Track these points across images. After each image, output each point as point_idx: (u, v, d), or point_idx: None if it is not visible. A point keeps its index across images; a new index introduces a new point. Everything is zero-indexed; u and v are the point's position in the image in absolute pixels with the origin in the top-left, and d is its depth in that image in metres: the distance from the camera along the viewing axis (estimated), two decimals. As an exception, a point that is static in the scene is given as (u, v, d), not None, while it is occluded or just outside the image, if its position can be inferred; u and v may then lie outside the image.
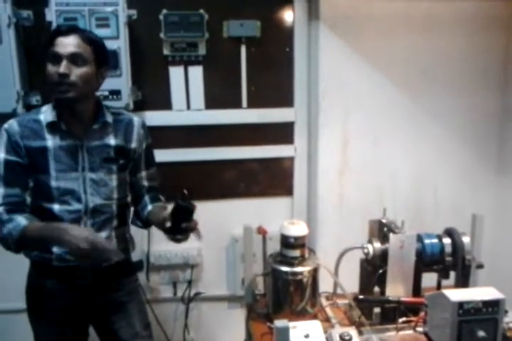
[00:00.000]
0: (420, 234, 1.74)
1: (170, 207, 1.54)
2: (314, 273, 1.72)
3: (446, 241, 1.72)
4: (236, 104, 2.48)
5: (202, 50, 2.38)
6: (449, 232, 1.75)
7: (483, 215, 1.87)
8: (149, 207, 1.86)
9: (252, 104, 2.49)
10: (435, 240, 1.73)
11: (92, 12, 2.13)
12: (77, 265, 1.72)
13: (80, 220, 1.71)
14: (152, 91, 2.42)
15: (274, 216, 2.53)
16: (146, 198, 1.90)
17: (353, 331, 1.44)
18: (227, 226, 2.59)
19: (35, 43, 2.24)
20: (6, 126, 1.68)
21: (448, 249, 1.71)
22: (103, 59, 1.69)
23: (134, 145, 1.81)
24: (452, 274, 1.75)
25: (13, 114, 2.14)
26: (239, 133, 2.51)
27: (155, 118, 2.40)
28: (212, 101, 2.47)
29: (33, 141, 1.66)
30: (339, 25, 2.39)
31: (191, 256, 2.57)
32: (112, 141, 1.76)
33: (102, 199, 1.74)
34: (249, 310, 1.87)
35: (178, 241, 1.59)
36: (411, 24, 2.44)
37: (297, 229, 1.72)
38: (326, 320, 1.75)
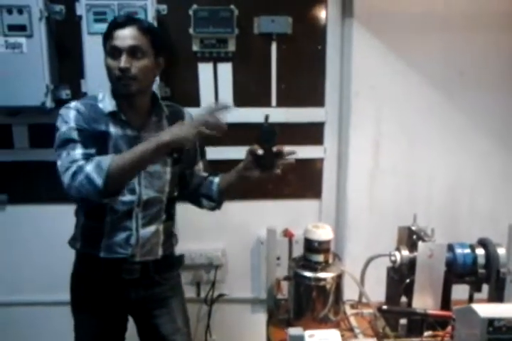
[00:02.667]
0: (452, 243, 1.64)
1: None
2: (338, 279, 1.65)
3: (480, 251, 1.62)
4: (265, 103, 2.42)
5: (232, 47, 2.33)
6: (483, 243, 1.65)
7: (521, 225, 1.76)
8: (217, 179, 1.85)
9: (282, 102, 2.43)
10: (467, 250, 1.62)
11: (122, 6, 2.12)
12: (124, 258, 1.73)
13: (131, 212, 1.71)
14: (180, 88, 2.38)
15: (302, 219, 2.45)
16: (209, 177, 1.87)
17: (374, 343, 1.37)
18: (253, 228, 2.52)
19: (66, 37, 2.24)
20: (70, 105, 1.67)
21: (481, 261, 1.60)
22: (160, 48, 1.69)
23: None
24: (485, 287, 1.65)
25: (42, 108, 2.14)
26: (267, 132, 2.44)
27: (182, 115, 2.38)
28: (241, 99, 2.42)
29: (97, 124, 1.65)
30: (374, 22, 2.32)
31: (215, 256, 2.53)
32: None
33: (154, 191, 1.74)
34: (270, 315, 1.81)
35: (271, 169, 1.65)
36: (449, 22, 2.35)
37: (322, 233, 1.66)
38: (350, 329, 1.67)
